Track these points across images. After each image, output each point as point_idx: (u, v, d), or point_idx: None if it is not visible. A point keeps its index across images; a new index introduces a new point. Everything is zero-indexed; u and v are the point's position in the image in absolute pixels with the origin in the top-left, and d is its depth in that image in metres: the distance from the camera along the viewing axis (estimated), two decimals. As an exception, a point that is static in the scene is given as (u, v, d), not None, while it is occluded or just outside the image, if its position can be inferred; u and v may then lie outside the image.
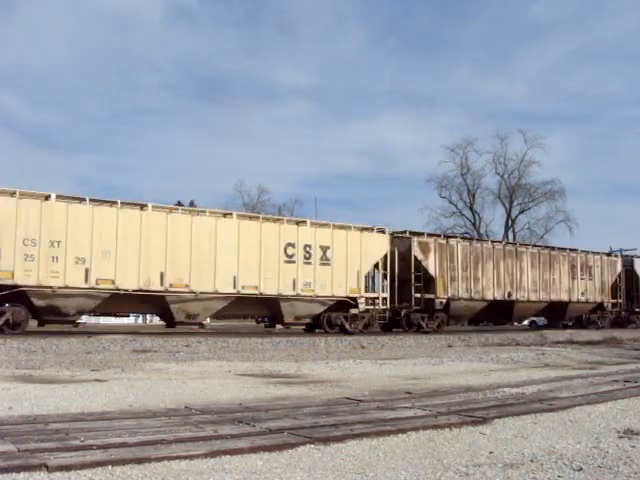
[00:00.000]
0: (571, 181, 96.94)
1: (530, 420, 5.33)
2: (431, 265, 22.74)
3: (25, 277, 15.27)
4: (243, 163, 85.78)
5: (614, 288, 29.83)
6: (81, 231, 15.94)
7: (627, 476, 3.59)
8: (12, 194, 15.52)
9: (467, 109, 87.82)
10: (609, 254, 31.25)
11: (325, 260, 20.10)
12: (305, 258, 19.69)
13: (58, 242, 15.64)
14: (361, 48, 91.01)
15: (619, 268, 30.32)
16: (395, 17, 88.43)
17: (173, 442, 4.04)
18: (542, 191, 54.47)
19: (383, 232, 21.87)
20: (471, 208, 56.20)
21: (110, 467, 3.46)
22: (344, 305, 20.57)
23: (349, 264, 20.52)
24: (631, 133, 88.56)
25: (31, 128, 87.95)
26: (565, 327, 29.26)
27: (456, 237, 25.57)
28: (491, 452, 4.14)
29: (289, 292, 19.12)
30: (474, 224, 55.69)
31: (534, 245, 28.35)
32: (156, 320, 21.70)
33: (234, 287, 18.17)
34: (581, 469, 3.72)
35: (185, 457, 3.72)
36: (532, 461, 3.91)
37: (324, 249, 20.15)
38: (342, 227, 20.99)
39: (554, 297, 27.07)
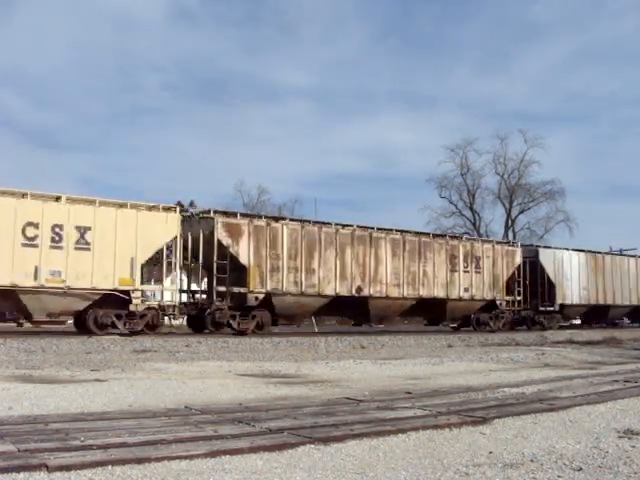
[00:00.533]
0: (571, 181, 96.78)
1: (530, 420, 5.33)
2: (243, 252, 18.61)
3: None
4: (243, 163, 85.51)
5: (512, 283, 25.75)
6: None
7: (627, 476, 3.59)
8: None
9: (467, 109, 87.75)
10: (508, 242, 27.77)
11: (84, 244, 16.27)
12: (54, 241, 15.91)
13: None
14: (361, 48, 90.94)
15: (518, 259, 26.01)
16: (395, 17, 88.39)
17: (173, 442, 4.04)
18: (542, 191, 54.43)
19: (171, 210, 18.02)
20: (471, 208, 56.16)
21: (110, 467, 3.46)
22: (117, 301, 16.81)
23: (119, 249, 16.62)
24: (631, 133, 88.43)
25: (31, 128, 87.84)
26: (456, 329, 26.12)
27: (285, 219, 20.90)
28: (491, 452, 4.14)
29: (29, 283, 15.49)
30: (474, 224, 55.67)
31: (399, 230, 22.70)
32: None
33: None
34: (581, 469, 3.72)
35: (185, 457, 3.72)
36: (532, 461, 3.91)
37: (82, 230, 16.28)
38: (111, 204, 17.10)
39: (425, 293, 22.53)
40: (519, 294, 26.06)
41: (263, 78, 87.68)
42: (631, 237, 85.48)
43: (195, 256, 18.71)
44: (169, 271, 17.89)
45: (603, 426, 5.13)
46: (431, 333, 22.49)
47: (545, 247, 29.21)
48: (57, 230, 15.92)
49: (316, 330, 25.49)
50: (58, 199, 16.33)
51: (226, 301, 18.45)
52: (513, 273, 25.80)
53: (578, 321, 33.73)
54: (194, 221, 18.81)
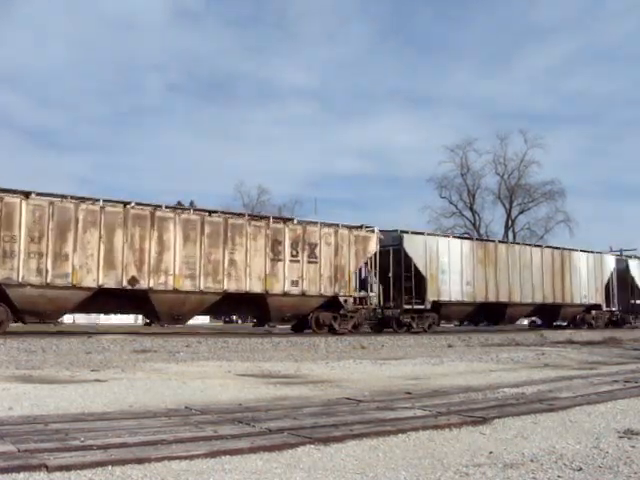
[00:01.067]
0: (571, 181, 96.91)
1: (530, 420, 5.33)
2: None
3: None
4: (243, 163, 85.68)
5: (366, 276, 21.88)
6: None
7: (627, 476, 3.59)
8: None
9: (467, 109, 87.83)
10: (359, 227, 21.96)
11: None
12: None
13: None
14: (362, 48, 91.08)
15: (373, 247, 21.56)
16: (396, 17, 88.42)
17: (173, 442, 4.04)
18: (542, 191, 54.58)
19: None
20: (471, 208, 56.28)
21: (110, 467, 3.46)
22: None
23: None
24: (631, 133, 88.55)
25: (32, 128, 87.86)
26: (296, 331, 21.22)
27: (29, 194, 16.37)
28: (491, 452, 4.14)
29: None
30: (474, 224, 55.74)
31: (198, 209, 19.23)
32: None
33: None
34: (581, 469, 3.72)
35: (185, 457, 3.72)
36: (532, 461, 3.91)
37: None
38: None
39: (233, 287, 18.77)
40: (373, 289, 21.76)
41: (264, 78, 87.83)
42: (631, 237, 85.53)
43: None
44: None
45: (603, 426, 5.13)
46: (431, 333, 22.47)
47: (414, 233, 24.04)
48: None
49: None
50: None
51: None
52: (367, 264, 21.62)
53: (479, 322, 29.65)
54: None
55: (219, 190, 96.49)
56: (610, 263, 31.74)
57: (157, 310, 18.28)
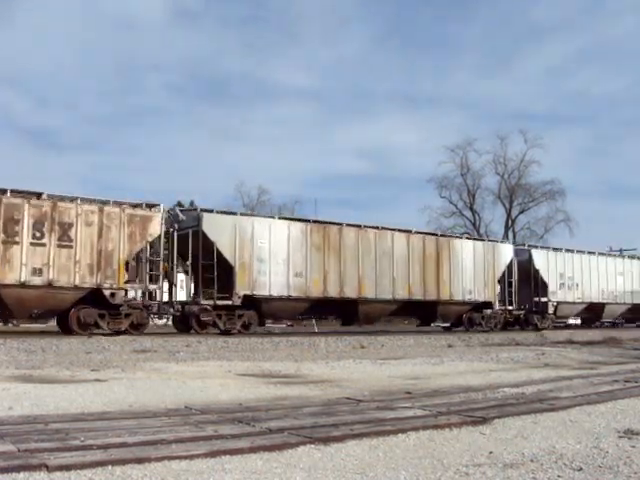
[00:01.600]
0: (571, 181, 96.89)
1: (530, 420, 5.33)
2: None
3: None
4: (243, 163, 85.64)
5: (140, 264, 17.69)
6: None
7: (627, 476, 3.59)
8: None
9: (467, 109, 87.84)
10: (137, 205, 17.80)
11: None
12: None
13: None
14: (362, 48, 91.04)
15: (157, 229, 17.55)
16: (396, 18, 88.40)
17: (173, 442, 4.03)
18: (542, 191, 54.55)
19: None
20: (471, 208, 56.26)
21: (110, 467, 3.46)
22: None
23: None
24: (631, 133, 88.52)
25: (32, 128, 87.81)
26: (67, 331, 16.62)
27: None
28: (491, 452, 4.14)
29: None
30: (474, 224, 55.73)
31: None
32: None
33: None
34: (581, 469, 3.72)
35: (185, 457, 3.72)
36: (532, 461, 3.91)
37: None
38: None
39: None
40: (157, 280, 17.78)
41: (264, 78, 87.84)
42: (631, 237, 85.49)
43: None
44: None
45: (603, 426, 5.13)
46: (430, 333, 22.45)
47: (221, 212, 20.02)
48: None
49: (316, 330, 25.28)
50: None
51: None
52: (146, 248, 17.54)
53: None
54: None
55: (219, 190, 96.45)
56: (506, 253, 26.71)
57: None
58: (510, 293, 26.84)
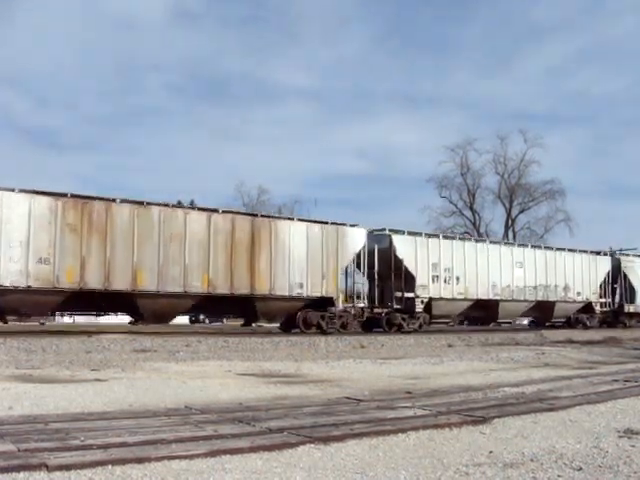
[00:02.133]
0: (571, 181, 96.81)
1: (530, 420, 5.33)
2: None
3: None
4: (243, 163, 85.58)
5: None
6: None
7: (627, 476, 3.59)
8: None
9: (467, 109, 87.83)
10: None
11: None
12: None
13: None
14: (362, 48, 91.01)
15: None
16: (396, 18, 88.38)
17: (173, 442, 4.03)
18: (542, 191, 54.52)
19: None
20: (471, 208, 56.24)
21: (110, 467, 3.46)
22: None
23: None
24: (631, 133, 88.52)
25: (32, 128, 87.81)
26: None
27: None
28: (491, 452, 4.14)
29: None
30: (474, 224, 55.72)
31: None
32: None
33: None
34: (581, 469, 3.72)
35: (185, 457, 3.72)
36: (532, 460, 3.91)
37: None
38: None
39: None
40: None
41: (264, 78, 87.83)
42: (631, 237, 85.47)
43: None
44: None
45: (603, 426, 5.13)
46: (431, 333, 22.44)
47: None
48: None
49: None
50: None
51: None
52: None
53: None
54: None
55: (219, 190, 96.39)
56: (356, 239, 21.78)
57: None
58: (371, 288, 22.76)
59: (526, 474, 3.58)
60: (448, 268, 23.98)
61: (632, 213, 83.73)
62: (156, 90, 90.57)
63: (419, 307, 23.30)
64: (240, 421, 4.87)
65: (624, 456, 4.04)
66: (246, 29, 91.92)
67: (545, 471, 3.66)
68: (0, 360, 10.45)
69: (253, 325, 23.03)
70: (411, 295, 23.00)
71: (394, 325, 22.79)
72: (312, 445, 4.16)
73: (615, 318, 31.26)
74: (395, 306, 22.84)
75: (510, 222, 55.65)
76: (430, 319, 24.07)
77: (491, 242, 27.36)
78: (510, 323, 33.41)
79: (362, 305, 22.12)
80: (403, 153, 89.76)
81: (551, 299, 28.08)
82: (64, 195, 17.14)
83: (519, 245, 29.11)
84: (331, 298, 20.94)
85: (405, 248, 23.11)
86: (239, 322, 24.34)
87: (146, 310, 18.36)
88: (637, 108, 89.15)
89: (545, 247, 29.81)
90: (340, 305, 21.16)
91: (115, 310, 19.59)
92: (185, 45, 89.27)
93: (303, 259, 20.36)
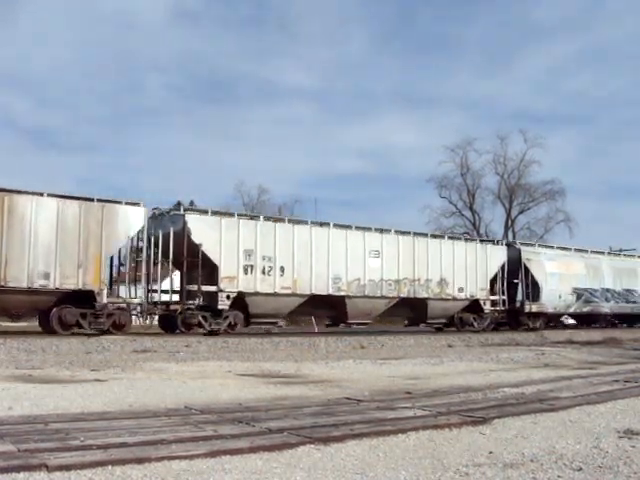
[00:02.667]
0: (571, 181, 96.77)
1: (530, 420, 5.33)
2: None
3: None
4: (243, 163, 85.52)
5: None
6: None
7: (627, 476, 3.59)
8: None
9: (467, 109, 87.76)
10: None
11: None
12: None
13: None
14: (363, 49, 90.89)
15: None
16: (397, 18, 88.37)
17: (173, 442, 4.03)
18: (542, 191, 54.42)
19: None
20: (471, 208, 56.17)
21: (110, 467, 3.46)
22: None
23: None
24: (631, 133, 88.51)
25: (32, 128, 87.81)
26: None
27: None
28: (491, 452, 4.14)
29: None
30: (474, 224, 55.68)
31: None
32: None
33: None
34: (581, 469, 3.72)
35: (185, 457, 3.72)
36: (532, 461, 3.91)
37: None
38: None
39: None
40: None
41: (264, 78, 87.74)
42: (631, 237, 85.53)
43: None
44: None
45: (603, 426, 5.13)
46: (431, 333, 22.43)
47: None
48: None
49: (316, 330, 24.89)
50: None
51: None
52: None
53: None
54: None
55: (219, 190, 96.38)
56: (130, 220, 17.48)
57: None
58: (152, 279, 18.60)
59: (526, 474, 3.58)
60: (268, 256, 19.39)
61: (632, 213, 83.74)
62: (156, 90, 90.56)
63: (224, 303, 18.63)
64: (240, 421, 4.87)
65: (624, 456, 4.04)
66: (246, 29, 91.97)
67: (545, 471, 3.66)
68: (0, 360, 10.46)
69: None
70: (212, 289, 18.41)
71: (193, 325, 18.38)
72: (312, 445, 4.16)
73: (514, 319, 25.76)
74: (196, 302, 18.32)
75: (510, 222, 55.63)
76: (248, 318, 19.43)
77: (335, 226, 21.40)
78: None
79: (137, 300, 17.88)
80: (403, 153, 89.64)
81: (421, 296, 22.45)
82: None
83: (376, 230, 22.27)
84: (92, 291, 16.57)
85: (204, 231, 18.50)
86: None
87: None
88: (637, 108, 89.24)
89: (415, 233, 23.39)
90: (105, 299, 16.79)
91: None
92: (185, 45, 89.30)
93: (52, 243, 16.01)
